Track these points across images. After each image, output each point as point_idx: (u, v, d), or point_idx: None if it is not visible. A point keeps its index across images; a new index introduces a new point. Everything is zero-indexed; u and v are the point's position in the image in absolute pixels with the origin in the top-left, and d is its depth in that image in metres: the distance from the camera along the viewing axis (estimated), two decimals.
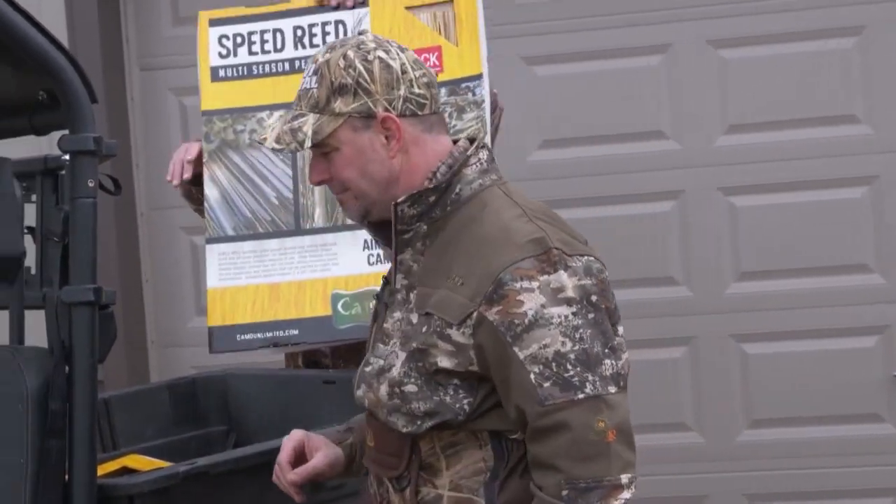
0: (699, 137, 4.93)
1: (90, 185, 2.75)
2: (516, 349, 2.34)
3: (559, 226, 2.46)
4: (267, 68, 3.53)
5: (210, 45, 3.52)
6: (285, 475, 2.66)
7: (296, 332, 3.33)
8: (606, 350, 2.36)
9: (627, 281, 4.65)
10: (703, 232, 4.92)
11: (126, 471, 2.97)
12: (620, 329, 2.43)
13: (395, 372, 2.45)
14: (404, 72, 2.46)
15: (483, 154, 2.52)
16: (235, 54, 3.53)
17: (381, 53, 2.47)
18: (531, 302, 2.34)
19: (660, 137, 4.96)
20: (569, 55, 4.97)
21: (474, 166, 2.50)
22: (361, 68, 2.45)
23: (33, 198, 3.03)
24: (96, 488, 2.75)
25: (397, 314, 2.50)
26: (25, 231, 3.06)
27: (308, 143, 2.47)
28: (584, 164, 4.96)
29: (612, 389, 2.35)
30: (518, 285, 2.35)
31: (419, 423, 2.44)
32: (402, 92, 2.46)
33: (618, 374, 2.36)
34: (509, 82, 4.65)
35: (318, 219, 3.41)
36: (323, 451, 2.67)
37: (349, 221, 3.18)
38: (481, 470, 2.44)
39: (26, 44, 2.74)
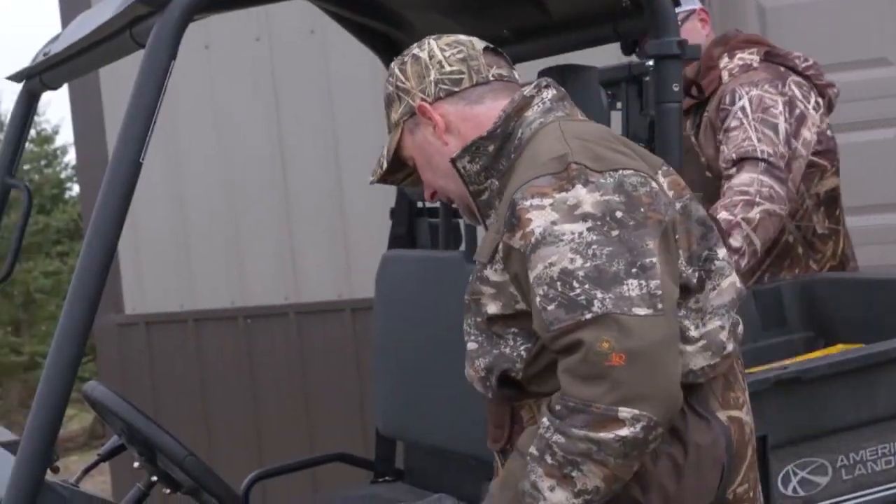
0: None
1: (675, 89, 2.75)
2: (529, 271, 2.16)
3: (605, 145, 2.25)
4: None
5: None
6: None
7: None
8: (634, 270, 2.11)
9: None
10: None
11: None
12: (721, 252, 2.28)
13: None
14: (432, 56, 2.39)
15: (547, 93, 2.36)
16: None
17: (414, 51, 2.42)
18: (540, 219, 2.16)
19: None
20: None
21: (536, 107, 2.35)
22: (397, 72, 2.42)
23: (618, 105, 3.01)
24: None
25: None
26: None
27: (384, 163, 2.43)
28: None
29: (639, 311, 2.09)
30: (528, 203, 2.18)
31: (488, 383, 2.29)
32: (432, 77, 2.38)
33: (650, 294, 2.10)
34: None
35: None
36: None
37: None
38: None
39: None
